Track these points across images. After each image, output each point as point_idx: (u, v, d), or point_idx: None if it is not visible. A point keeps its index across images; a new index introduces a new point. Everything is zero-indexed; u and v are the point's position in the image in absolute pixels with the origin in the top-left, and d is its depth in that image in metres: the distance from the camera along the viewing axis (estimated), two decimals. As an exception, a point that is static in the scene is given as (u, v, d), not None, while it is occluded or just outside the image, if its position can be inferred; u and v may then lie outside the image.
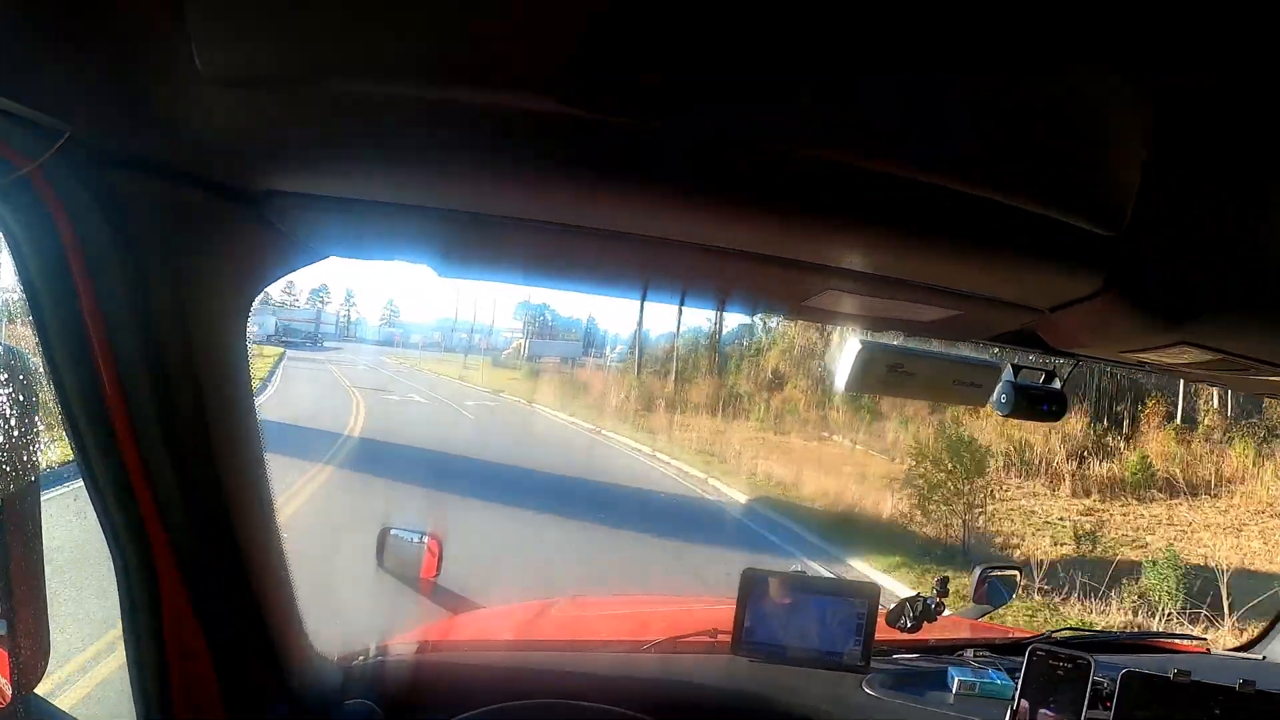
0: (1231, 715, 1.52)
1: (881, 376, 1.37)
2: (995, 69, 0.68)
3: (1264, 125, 0.75)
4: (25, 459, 1.00)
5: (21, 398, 1.04)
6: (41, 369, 0.97)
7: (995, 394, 1.46)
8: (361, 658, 1.61)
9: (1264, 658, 2.21)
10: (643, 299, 1.39)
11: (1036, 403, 1.48)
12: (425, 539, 2.05)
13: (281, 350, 41.21)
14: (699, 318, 27.11)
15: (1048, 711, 1.58)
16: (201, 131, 0.78)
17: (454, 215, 0.93)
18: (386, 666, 1.59)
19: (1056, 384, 1.50)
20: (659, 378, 25.42)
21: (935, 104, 0.70)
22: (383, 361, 42.01)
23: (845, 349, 1.36)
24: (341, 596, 4.07)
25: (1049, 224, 0.82)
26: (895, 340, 1.41)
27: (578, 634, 2.12)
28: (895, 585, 8.57)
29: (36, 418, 1.04)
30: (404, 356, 47.64)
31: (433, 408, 21.24)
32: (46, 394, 1.00)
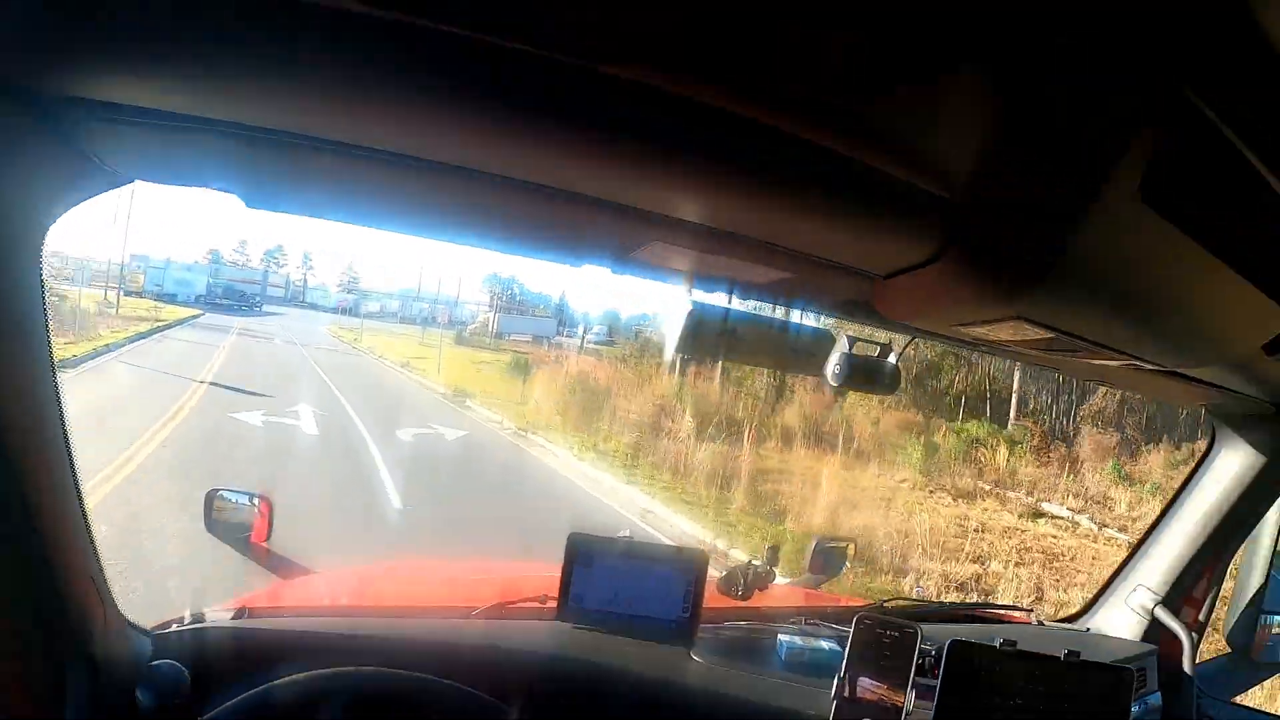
0: (1056, 684, 1.56)
1: (713, 341, 1.32)
2: (848, 7, 0.63)
3: (1110, 100, 0.72)
4: None
5: None
6: None
7: (829, 365, 1.44)
8: (176, 624, 1.50)
9: (1088, 629, 2.30)
10: (459, 240, 1.27)
11: (870, 376, 1.47)
12: (256, 501, 1.93)
13: (197, 313, 35.69)
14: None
15: (875, 680, 1.59)
16: None
17: (267, 136, 0.84)
18: (202, 633, 1.48)
19: (892, 358, 1.49)
20: (683, 375, 16.88)
21: (778, 36, 0.64)
22: (318, 334, 35.50)
23: (675, 310, 1.32)
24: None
25: (888, 181, 0.79)
26: (731, 304, 1.37)
27: (407, 599, 2.04)
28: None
29: None
30: (351, 327, 40.43)
31: (320, 453, 9.70)
32: None
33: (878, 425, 15.27)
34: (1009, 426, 15.90)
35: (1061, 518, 11.79)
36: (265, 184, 1.05)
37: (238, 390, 13.42)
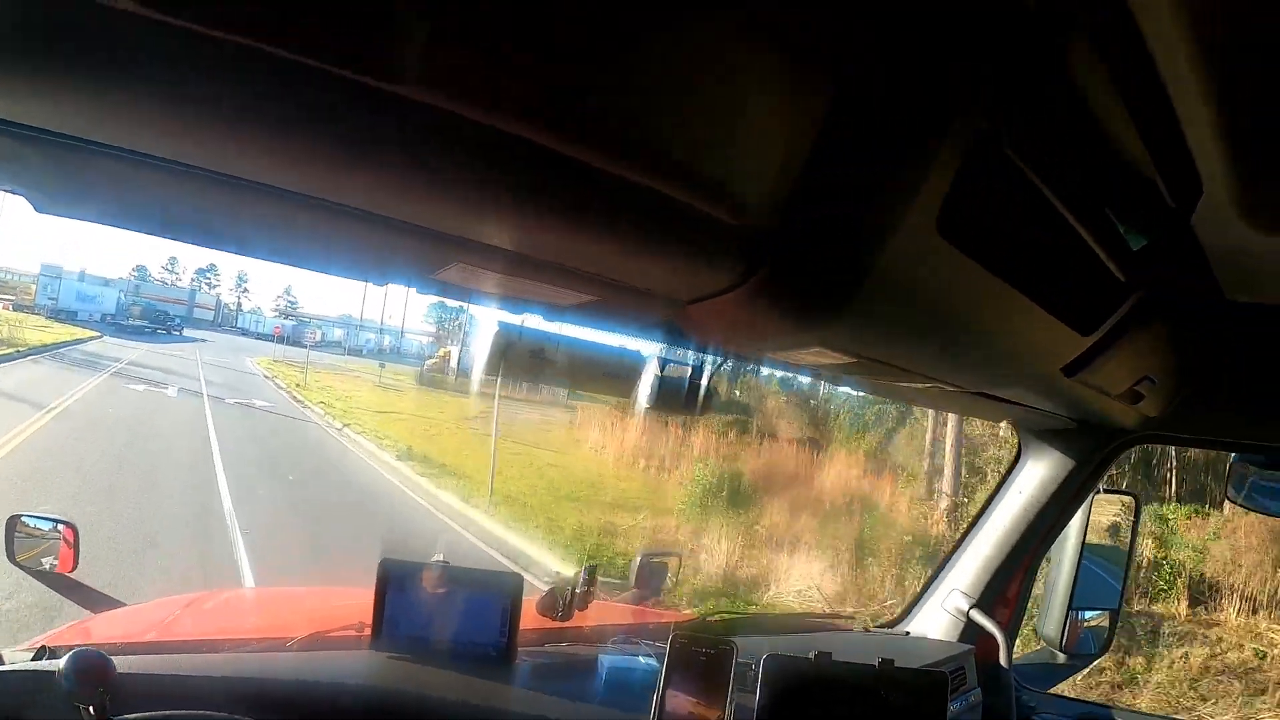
0: (873, 691, 1.54)
1: (523, 362, 1.23)
2: (645, 32, 0.59)
3: (910, 135, 0.72)
4: None
5: None
6: None
7: (640, 387, 1.38)
8: None
9: (907, 633, 2.32)
10: (260, 256, 1.17)
11: (679, 397, 1.41)
12: (60, 527, 1.74)
13: (89, 336, 27.57)
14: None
15: (693, 698, 1.52)
16: None
17: (52, 138, 0.72)
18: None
19: (703, 379, 1.44)
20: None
21: (568, 57, 0.58)
22: (246, 372, 25.25)
23: (484, 330, 1.23)
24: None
25: (689, 210, 0.73)
26: (540, 324, 1.29)
27: (220, 632, 1.86)
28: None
29: None
30: (293, 361, 29.00)
31: None
32: None
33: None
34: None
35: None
36: (54, 188, 0.92)
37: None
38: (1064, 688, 2.53)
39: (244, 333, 53.62)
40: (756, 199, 0.76)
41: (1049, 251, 0.92)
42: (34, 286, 39.03)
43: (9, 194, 0.96)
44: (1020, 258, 0.88)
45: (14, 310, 32.14)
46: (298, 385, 22.45)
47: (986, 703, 2.14)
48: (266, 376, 25.14)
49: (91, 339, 27.78)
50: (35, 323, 27.68)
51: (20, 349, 19.58)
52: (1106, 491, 2.29)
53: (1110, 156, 0.82)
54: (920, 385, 1.33)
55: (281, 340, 41.75)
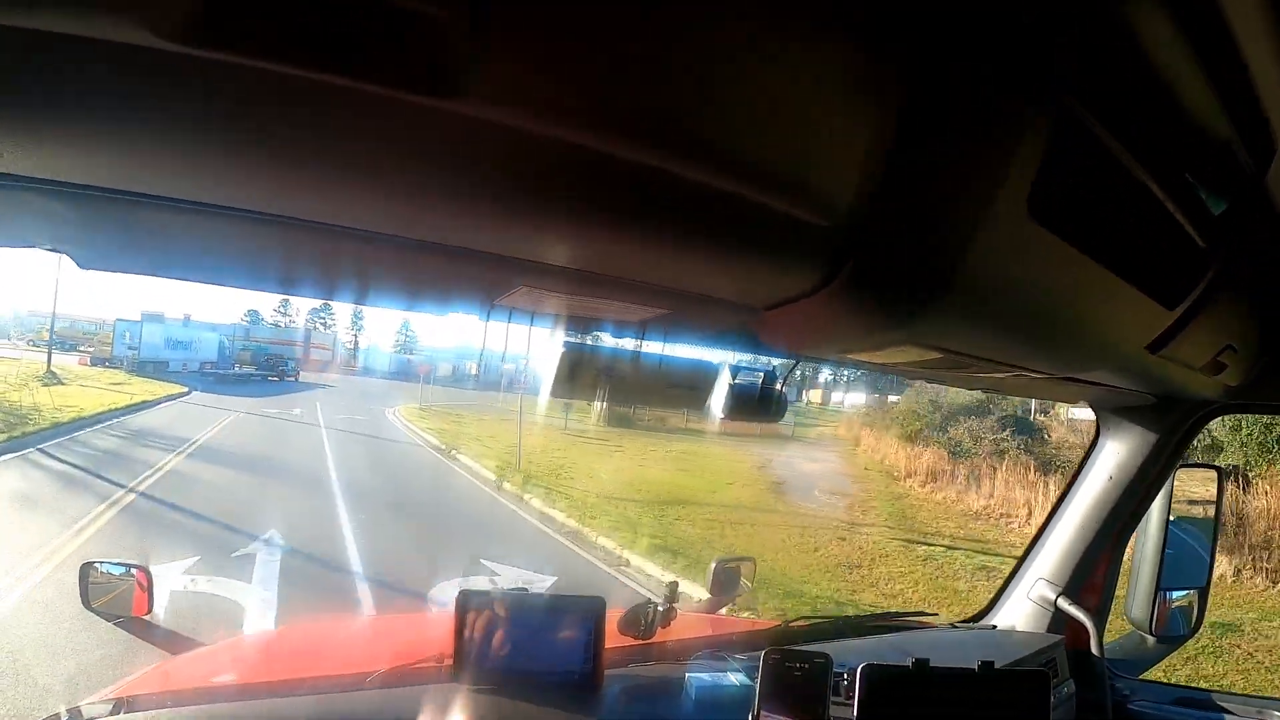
0: (974, 696, 1.43)
1: (591, 381, 1.14)
2: (714, 30, 0.54)
3: (996, 117, 0.67)
4: None
5: None
6: None
7: (713, 398, 1.26)
8: None
9: (994, 626, 2.18)
10: (319, 296, 1.17)
11: (755, 405, 1.30)
12: (133, 571, 1.66)
13: (170, 394, 20.98)
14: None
15: (789, 715, 1.39)
16: None
17: (92, 193, 0.68)
18: None
19: (776, 385, 1.31)
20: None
21: (636, 62, 0.54)
22: (394, 435, 16.74)
23: (549, 352, 1.13)
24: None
25: (767, 214, 0.68)
26: (606, 341, 1.20)
27: (300, 669, 1.77)
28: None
29: None
30: (444, 408, 21.94)
31: None
32: None
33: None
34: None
35: None
36: (97, 244, 0.90)
37: None
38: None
39: (368, 373, 47.34)
40: (840, 196, 0.70)
41: (1134, 225, 0.87)
42: (108, 336, 32.99)
43: (51, 253, 0.93)
44: (1108, 234, 0.83)
45: (92, 365, 27.43)
46: (525, 476, 11.91)
47: (1080, 694, 1.99)
48: (439, 449, 15.17)
49: (169, 398, 20.30)
50: (111, 378, 22.23)
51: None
52: (1188, 466, 2.12)
53: (1188, 120, 0.77)
54: (1002, 375, 1.24)
55: (426, 380, 33.75)
